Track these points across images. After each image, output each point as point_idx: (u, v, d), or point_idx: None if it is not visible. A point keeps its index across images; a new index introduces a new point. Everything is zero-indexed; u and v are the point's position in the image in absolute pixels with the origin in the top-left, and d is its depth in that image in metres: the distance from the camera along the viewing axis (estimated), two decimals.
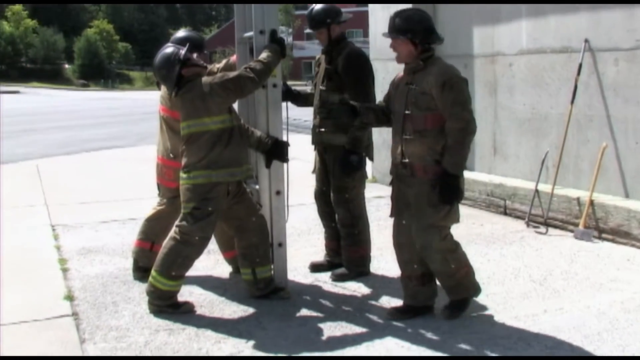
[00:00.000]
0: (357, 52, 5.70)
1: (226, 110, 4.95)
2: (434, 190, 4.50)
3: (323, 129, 5.71)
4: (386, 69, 9.69)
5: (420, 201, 4.59)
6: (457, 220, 4.73)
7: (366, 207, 5.87)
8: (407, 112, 4.63)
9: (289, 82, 5.59)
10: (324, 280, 5.78)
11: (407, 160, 4.64)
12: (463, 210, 8.44)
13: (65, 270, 6.22)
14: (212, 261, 6.25)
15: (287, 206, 5.54)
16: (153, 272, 5.01)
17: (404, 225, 4.77)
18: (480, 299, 5.22)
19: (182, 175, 4.98)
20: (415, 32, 4.57)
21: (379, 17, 9.94)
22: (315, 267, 6.02)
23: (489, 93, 8.67)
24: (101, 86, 67.51)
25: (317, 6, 5.74)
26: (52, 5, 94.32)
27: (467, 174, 8.79)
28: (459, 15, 9.02)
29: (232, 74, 4.95)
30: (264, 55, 5.07)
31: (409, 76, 4.70)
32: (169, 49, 5.12)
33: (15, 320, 5.01)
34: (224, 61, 5.98)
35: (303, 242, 7.06)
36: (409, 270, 4.86)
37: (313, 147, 5.95)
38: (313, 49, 62.54)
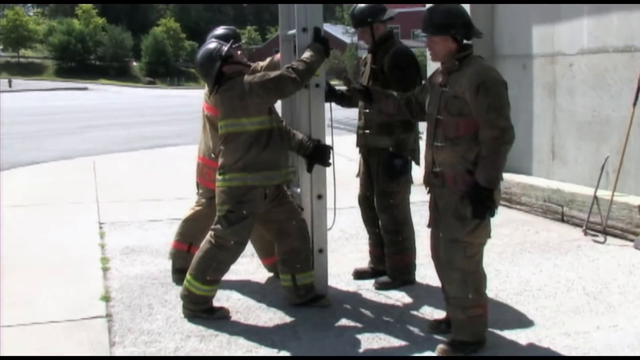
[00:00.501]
0: (403, 51, 5.47)
1: (265, 111, 4.78)
2: (462, 202, 4.11)
3: (367, 131, 5.50)
4: None
5: (447, 213, 4.21)
6: (487, 236, 4.25)
7: (411, 212, 5.63)
8: (439, 116, 4.26)
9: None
10: (367, 288, 5.57)
11: (438, 169, 4.27)
12: (519, 215, 8.29)
13: (105, 270, 6.17)
14: (254, 265, 6.10)
15: (335, 209, 5.40)
16: (188, 276, 4.89)
17: (439, 238, 4.37)
18: (529, 312, 4.96)
19: (218, 177, 4.84)
20: (457, 28, 4.18)
21: None
22: (359, 274, 5.82)
23: (547, 95, 8.31)
24: (167, 84, 68.33)
25: (360, 5, 5.53)
26: (121, 4, 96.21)
27: (523, 179, 8.63)
28: (518, 14, 8.68)
29: (273, 74, 4.78)
30: (306, 54, 4.89)
31: (444, 77, 4.31)
32: (212, 44, 4.98)
33: (50, 320, 4.97)
34: (268, 59, 5.82)
35: (350, 246, 6.85)
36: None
37: (358, 150, 5.75)
38: None
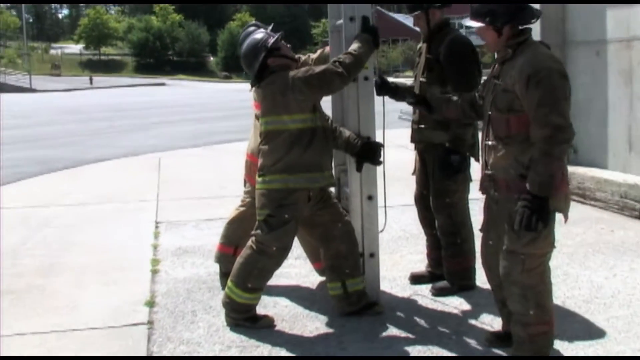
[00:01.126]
0: (461, 40, 5.08)
1: (308, 109, 4.46)
2: (514, 212, 3.62)
3: (422, 126, 5.14)
4: None
5: (502, 221, 3.79)
6: (549, 247, 3.78)
7: (470, 213, 5.24)
8: (490, 112, 3.85)
9: None
10: (423, 293, 5.22)
11: (490, 172, 3.88)
12: (592, 212, 7.76)
13: (154, 272, 6.00)
14: (306, 268, 5.79)
15: (385, 207, 5.04)
16: (229, 283, 4.63)
17: (491, 245, 3.98)
18: (600, 323, 4.55)
19: (257, 178, 4.56)
20: (495, 15, 3.70)
21: None
22: (416, 279, 5.47)
23: (623, 82, 7.74)
24: (243, 78, 68.78)
25: None
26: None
27: (598, 172, 8.09)
28: None
29: (317, 69, 4.47)
30: (354, 46, 4.56)
31: (497, 67, 3.88)
32: (259, 34, 4.69)
33: (90, 326, 4.82)
34: (318, 51, 5.51)
35: (410, 247, 6.49)
36: (500, 295, 4.05)
37: (413, 146, 5.39)
38: None
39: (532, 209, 3.50)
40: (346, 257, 4.65)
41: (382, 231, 5.06)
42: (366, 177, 4.78)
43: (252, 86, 4.74)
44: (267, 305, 5.01)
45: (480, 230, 4.12)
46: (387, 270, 5.74)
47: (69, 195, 9.62)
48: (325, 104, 4.97)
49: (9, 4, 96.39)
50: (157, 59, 73.50)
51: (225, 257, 5.43)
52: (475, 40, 5.02)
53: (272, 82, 4.49)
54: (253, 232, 4.58)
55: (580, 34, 8.42)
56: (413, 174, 5.48)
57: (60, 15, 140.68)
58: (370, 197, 4.81)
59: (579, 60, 8.44)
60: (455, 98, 4.34)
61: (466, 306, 4.95)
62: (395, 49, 61.90)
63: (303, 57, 5.55)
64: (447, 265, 5.19)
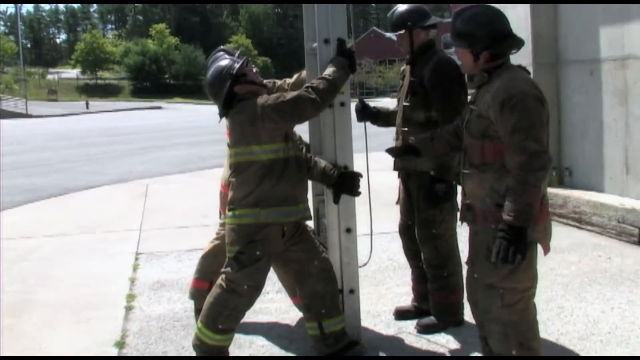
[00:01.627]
0: (446, 61, 4.80)
1: (280, 138, 4.18)
2: (493, 242, 3.39)
3: None
4: None
5: (480, 253, 3.57)
6: (531, 281, 3.53)
7: (458, 244, 4.95)
8: (466, 139, 3.68)
9: None
10: (409, 330, 4.92)
11: (468, 202, 3.67)
12: (589, 238, 7.45)
13: (129, 309, 5.71)
14: (286, 303, 5.49)
15: (371, 237, 4.81)
16: (199, 324, 4.33)
17: (476, 279, 3.67)
18: None
19: (227, 213, 4.28)
20: (475, 39, 3.52)
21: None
22: (401, 314, 5.17)
23: (619, 102, 7.48)
24: None
25: (401, 7, 4.92)
26: (194, 22, 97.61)
27: (594, 196, 7.80)
28: (583, 14, 7.88)
29: (289, 95, 4.19)
30: (329, 70, 4.29)
31: (474, 94, 3.67)
32: (223, 60, 4.41)
33: None
34: (295, 76, 5.25)
35: (397, 279, 6.18)
36: (483, 332, 3.76)
37: (396, 173, 5.12)
38: None
39: (509, 240, 3.28)
40: (323, 296, 4.36)
41: (365, 264, 4.79)
42: (344, 209, 4.50)
43: (220, 117, 4.45)
44: (242, 346, 4.73)
45: (466, 262, 3.85)
46: (372, 305, 5.46)
47: (51, 225, 9.35)
48: (304, 133, 4.72)
49: (7, 30, 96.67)
50: (153, 83, 73.64)
51: (199, 293, 5.14)
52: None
53: (240, 110, 4.22)
54: (223, 270, 4.29)
55: (573, 53, 8.18)
56: (397, 203, 5.21)
57: (58, 40, 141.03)
58: (348, 230, 4.53)
59: (572, 80, 8.20)
60: (437, 133, 4.14)
61: (454, 344, 4.65)
62: (392, 69, 61.89)
63: (279, 82, 5.30)
64: (433, 300, 4.90)
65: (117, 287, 6.36)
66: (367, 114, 5.00)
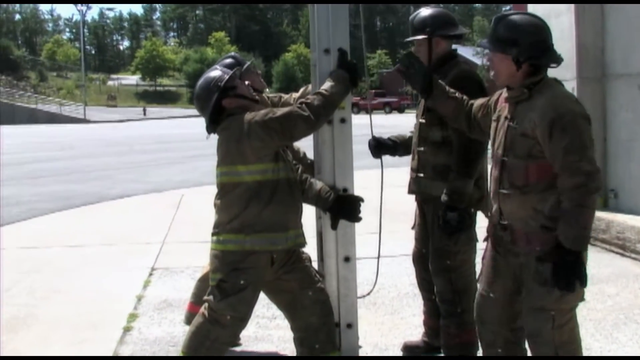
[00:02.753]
0: (467, 74, 4.34)
1: (268, 158, 3.79)
2: (542, 265, 3.26)
3: (421, 174, 4.42)
4: None
5: (528, 277, 3.37)
6: (580, 299, 3.39)
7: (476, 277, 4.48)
8: (504, 158, 3.42)
9: None
10: None
11: (506, 222, 3.44)
12: (632, 267, 6.86)
13: (127, 330, 5.42)
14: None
15: (378, 261, 4.44)
16: (181, 353, 3.97)
17: (492, 299, 3.56)
18: None
19: (212, 237, 3.91)
20: (521, 47, 3.28)
21: None
22: (409, 349, 4.74)
23: None
24: None
25: (424, 10, 4.49)
26: (254, 31, 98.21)
27: (635, 220, 7.22)
28: (632, 24, 7.33)
29: (279, 111, 3.79)
30: (326, 85, 3.88)
31: (511, 107, 3.44)
32: (213, 71, 4.07)
33: None
34: (301, 90, 4.88)
35: (416, 307, 5.68)
36: (491, 353, 3.63)
37: (413, 197, 4.68)
38: None
39: (568, 266, 3.17)
40: (317, 330, 3.95)
41: (369, 294, 4.38)
42: (343, 235, 4.09)
43: (208, 132, 4.08)
44: None
45: (478, 280, 3.71)
46: (382, 336, 5.06)
47: (74, 235, 9.19)
48: (309, 149, 4.34)
49: (72, 37, 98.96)
50: None
51: (194, 317, 4.78)
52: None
53: (227, 126, 3.85)
54: (205, 298, 3.92)
55: (620, 66, 7.62)
56: (412, 228, 4.78)
57: (121, 47, 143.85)
58: (347, 259, 4.11)
59: (619, 95, 7.65)
60: (458, 98, 3.90)
61: None
62: None
63: (285, 96, 4.95)
64: (444, 337, 4.43)
65: (122, 304, 6.08)
66: (384, 148, 4.60)
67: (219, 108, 3.91)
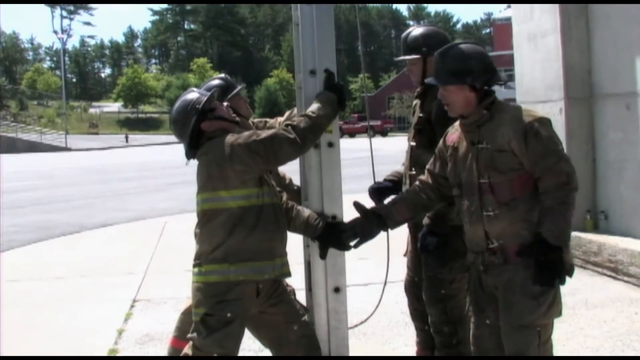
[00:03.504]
0: None
1: (252, 182, 3.60)
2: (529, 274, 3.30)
3: None
4: None
5: (515, 292, 3.35)
6: (559, 313, 3.43)
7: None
8: (482, 180, 3.42)
9: None
10: None
11: (495, 245, 3.42)
12: (626, 291, 6.67)
13: None
14: None
15: (384, 288, 4.31)
16: None
17: (488, 327, 3.52)
18: None
19: (193, 269, 3.71)
20: (475, 74, 3.41)
21: (525, 53, 8.32)
22: None
23: None
24: None
25: (417, 29, 4.36)
26: (236, 57, 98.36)
27: (632, 244, 7.04)
28: (619, 43, 7.23)
29: (264, 133, 3.60)
30: (313, 107, 3.71)
31: (472, 133, 3.49)
32: (190, 94, 3.86)
33: None
34: (287, 113, 4.70)
35: (408, 337, 5.44)
36: None
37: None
38: (502, 92, 60.27)
39: (551, 261, 3.24)
40: None
41: (362, 323, 4.19)
42: (332, 265, 3.90)
43: (187, 158, 3.89)
44: None
45: (470, 311, 3.65)
46: None
47: (53, 267, 8.95)
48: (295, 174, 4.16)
49: (52, 65, 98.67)
50: None
51: (178, 353, 4.55)
52: None
53: (207, 150, 3.66)
54: (189, 336, 3.70)
55: (608, 86, 7.52)
56: (405, 255, 4.60)
57: (102, 74, 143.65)
58: (337, 290, 3.91)
59: (607, 115, 7.54)
60: (401, 194, 3.97)
61: None
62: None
63: (271, 121, 4.77)
64: None
65: (102, 339, 5.84)
66: (386, 192, 4.45)
67: (198, 132, 3.72)
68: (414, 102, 4.52)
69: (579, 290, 6.55)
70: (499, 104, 3.49)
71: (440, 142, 3.71)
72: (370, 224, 3.75)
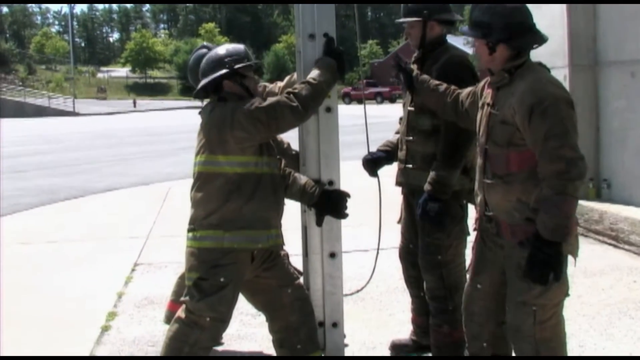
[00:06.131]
0: (459, 59, 4.15)
1: (251, 150, 3.59)
2: (522, 260, 3.15)
3: (410, 165, 4.23)
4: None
5: (511, 270, 3.30)
6: (564, 294, 3.28)
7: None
8: (487, 146, 3.33)
9: None
10: None
11: (491, 214, 3.37)
12: (626, 259, 6.67)
13: (105, 329, 5.24)
14: None
15: (377, 254, 4.30)
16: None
17: (479, 291, 3.49)
18: None
19: (187, 234, 3.71)
20: (490, 30, 3.19)
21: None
22: (397, 348, 4.57)
23: None
24: None
25: None
26: (244, 22, 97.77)
27: (633, 212, 7.04)
28: (625, 11, 7.16)
29: (267, 101, 3.59)
30: (313, 73, 3.69)
31: (492, 92, 3.35)
32: (235, 47, 3.85)
33: None
34: (286, 78, 4.66)
35: (405, 303, 5.38)
36: (475, 347, 3.56)
37: (400, 189, 4.49)
38: None
39: (544, 258, 3.05)
40: (297, 329, 3.77)
41: (359, 291, 4.20)
42: (328, 231, 3.90)
43: (194, 97, 3.95)
44: None
45: (467, 271, 3.68)
46: (370, 334, 4.89)
47: (56, 231, 8.98)
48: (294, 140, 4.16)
49: (60, 29, 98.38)
50: None
51: (174, 316, 4.59)
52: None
53: (212, 109, 3.65)
54: (182, 299, 3.72)
55: (613, 53, 7.45)
56: (398, 222, 4.59)
57: (111, 39, 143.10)
58: (332, 255, 3.92)
59: (612, 83, 7.47)
60: (441, 90, 3.84)
61: None
62: None
63: (270, 86, 4.74)
64: (434, 336, 4.25)
65: (101, 302, 5.88)
66: (380, 162, 4.44)
67: (217, 84, 3.71)
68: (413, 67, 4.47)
69: (579, 258, 6.45)
70: (526, 69, 3.25)
71: (482, 82, 3.59)
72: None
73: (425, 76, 3.93)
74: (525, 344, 3.27)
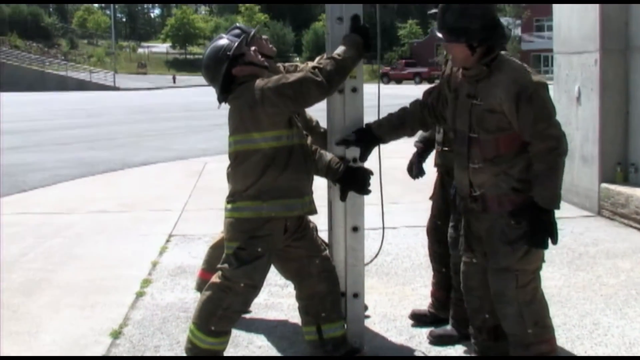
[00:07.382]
0: None
1: (283, 124, 3.79)
2: (510, 225, 3.53)
3: (446, 148, 4.40)
4: (570, 63, 8.06)
5: (494, 238, 3.61)
6: (541, 260, 3.65)
7: None
8: (472, 134, 3.60)
9: None
10: (421, 339, 4.48)
11: (477, 193, 3.64)
12: (635, 239, 6.82)
13: (140, 295, 5.48)
14: None
15: (383, 229, 4.41)
16: (191, 325, 3.96)
17: (475, 265, 3.79)
18: None
19: (226, 205, 3.92)
20: (470, 34, 3.44)
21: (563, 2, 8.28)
22: (417, 317, 4.75)
23: None
24: None
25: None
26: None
27: None
28: None
29: (292, 76, 3.76)
30: (339, 50, 3.86)
31: (470, 85, 3.60)
32: (220, 41, 4.04)
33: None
34: (317, 58, 4.81)
35: (428, 278, 5.56)
36: (478, 320, 3.85)
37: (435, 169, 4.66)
38: (541, 42, 59.12)
39: (543, 225, 3.43)
40: (323, 298, 3.98)
41: (371, 261, 4.38)
42: (351, 205, 4.09)
43: (219, 102, 4.08)
44: (238, 345, 4.41)
45: (460, 250, 3.91)
46: (392, 307, 5.07)
47: (94, 202, 9.30)
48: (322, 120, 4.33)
49: (102, 5, 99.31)
50: None
51: (205, 283, 4.80)
52: None
53: (239, 95, 3.85)
54: (219, 266, 3.92)
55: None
56: (430, 198, 4.76)
57: (152, 15, 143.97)
58: (355, 229, 4.12)
59: None
60: (395, 119, 4.05)
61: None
62: None
63: (301, 66, 4.90)
64: (454, 310, 4.42)
65: (137, 270, 6.14)
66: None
67: (230, 77, 3.91)
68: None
69: (603, 240, 6.66)
70: (500, 61, 3.52)
71: (446, 74, 3.82)
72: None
73: (377, 122, 4.06)
74: (509, 308, 3.57)
